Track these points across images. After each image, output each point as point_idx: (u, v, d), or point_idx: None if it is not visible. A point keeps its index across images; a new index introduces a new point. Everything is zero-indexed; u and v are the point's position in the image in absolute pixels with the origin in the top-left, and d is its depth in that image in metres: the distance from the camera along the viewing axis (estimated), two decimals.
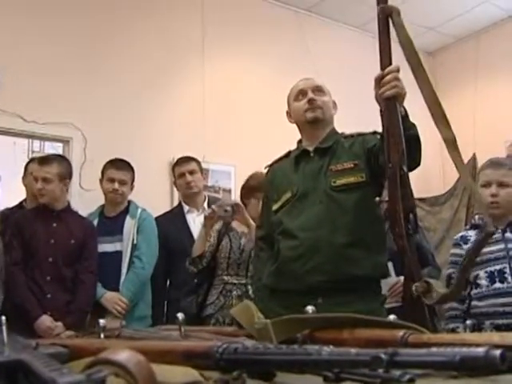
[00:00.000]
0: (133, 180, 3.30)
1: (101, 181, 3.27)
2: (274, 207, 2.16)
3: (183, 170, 3.45)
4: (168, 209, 3.93)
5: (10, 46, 3.87)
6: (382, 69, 1.74)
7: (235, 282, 2.78)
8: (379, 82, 1.73)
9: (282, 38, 5.16)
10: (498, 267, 2.29)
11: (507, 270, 2.28)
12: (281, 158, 2.29)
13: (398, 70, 1.72)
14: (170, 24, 4.62)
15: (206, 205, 3.48)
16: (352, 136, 2.16)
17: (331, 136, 2.17)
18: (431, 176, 5.45)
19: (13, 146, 5.30)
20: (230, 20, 4.90)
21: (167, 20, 4.61)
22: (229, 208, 2.71)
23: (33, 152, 5.30)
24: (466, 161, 5.33)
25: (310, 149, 2.15)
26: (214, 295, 2.78)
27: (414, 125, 1.79)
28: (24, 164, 3.53)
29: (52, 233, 2.98)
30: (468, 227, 2.56)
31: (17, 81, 3.83)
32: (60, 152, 4.17)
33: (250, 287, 2.70)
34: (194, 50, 4.70)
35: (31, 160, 3.57)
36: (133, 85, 4.32)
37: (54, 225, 3.00)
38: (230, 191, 4.57)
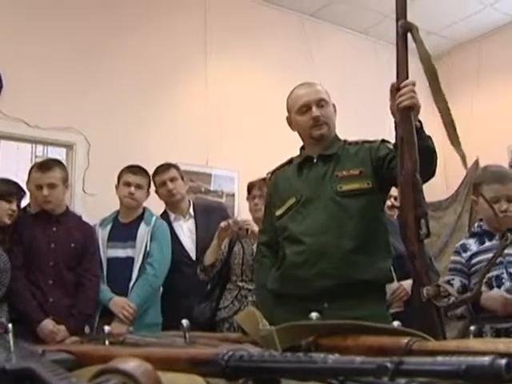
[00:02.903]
0: (149, 186, 3.27)
1: (116, 187, 3.24)
2: (278, 213, 2.17)
3: (164, 178, 3.35)
4: None
5: (13, 51, 3.88)
6: (399, 82, 1.77)
7: (250, 287, 2.78)
8: (395, 93, 1.76)
9: (285, 43, 5.17)
10: (495, 273, 2.31)
11: (504, 276, 2.30)
12: (283, 165, 2.30)
13: (414, 84, 1.75)
14: (173, 28, 4.63)
15: (191, 210, 3.43)
16: (357, 143, 2.16)
17: (334, 142, 2.17)
18: (434, 181, 5.42)
19: (16, 150, 5.31)
20: (232, 24, 4.91)
21: (170, 24, 4.62)
22: (243, 228, 2.80)
23: (36, 157, 5.30)
24: (468, 166, 5.37)
25: (314, 155, 2.15)
26: (228, 299, 2.81)
27: (429, 137, 1.81)
28: (28, 169, 3.52)
29: (52, 237, 2.96)
30: (468, 235, 2.58)
31: (20, 86, 3.84)
32: (63, 157, 4.18)
33: None
34: (197, 54, 4.71)
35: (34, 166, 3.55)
36: (136, 89, 4.34)
37: (54, 229, 2.99)
38: (233, 196, 4.57)
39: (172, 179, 3.35)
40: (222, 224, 2.83)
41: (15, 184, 2.97)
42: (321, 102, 2.13)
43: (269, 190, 2.35)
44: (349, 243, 1.97)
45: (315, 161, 2.14)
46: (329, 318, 1.44)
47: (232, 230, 2.82)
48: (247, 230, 2.80)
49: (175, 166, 3.43)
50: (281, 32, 5.18)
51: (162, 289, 3.28)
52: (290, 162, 2.27)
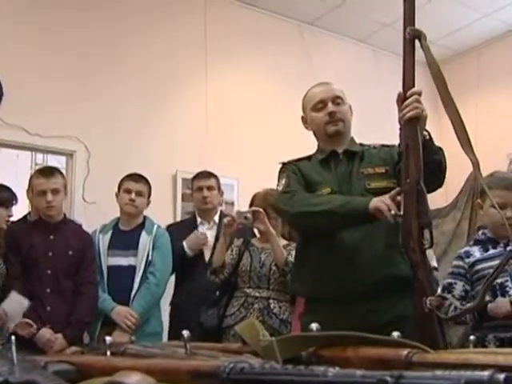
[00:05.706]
0: (149, 195, 3.29)
1: (117, 195, 3.26)
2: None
3: (201, 184, 3.49)
4: (170, 222, 3.94)
5: (13, 58, 3.90)
6: (405, 90, 1.77)
7: (257, 295, 2.81)
8: (401, 103, 1.76)
9: (284, 51, 5.18)
10: (499, 281, 2.29)
11: (508, 283, 2.29)
12: (300, 159, 2.22)
13: (420, 93, 1.75)
14: (173, 37, 4.65)
15: (216, 218, 3.51)
16: (375, 147, 2.17)
17: (353, 142, 2.18)
18: None
19: (16, 158, 5.31)
20: (232, 33, 4.93)
21: (170, 32, 4.64)
22: (249, 215, 2.74)
23: (36, 164, 5.30)
24: (468, 173, 5.36)
25: (340, 150, 2.13)
26: (235, 307, 2.83)
27: (439, 149, 1.81)
28: (27, 177, 3.53)
29: (50, 245, 2.97)
30: (472, 243, 2.57)
31: (20, 94, 3.86)
32: (63, 165, 4.19)
33: (271, 301, 2.79)
34: (197, 63, 4.73)
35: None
36: (136, 98, 4.35)
37: (51, 237, 2.99)
38: (232, 204, 4.58)
39: (209, 188, 3.49)
40: (226, 220, 2.84)
41: (9, 189, 3.01)
42: (337, 100, 2.14)
43: (293, 171, 2.15)
44: (382, 240, 1.96)
45: (341, 157, 2.12)
46: (370, 318, 1.55)
47: (238, 223, 2.78)
48: (253, 214, 2.73)
49: (215, 176, 3.57)
50: (280, 41, 5.20)
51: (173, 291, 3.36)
52: (309, 158, 2.21)
